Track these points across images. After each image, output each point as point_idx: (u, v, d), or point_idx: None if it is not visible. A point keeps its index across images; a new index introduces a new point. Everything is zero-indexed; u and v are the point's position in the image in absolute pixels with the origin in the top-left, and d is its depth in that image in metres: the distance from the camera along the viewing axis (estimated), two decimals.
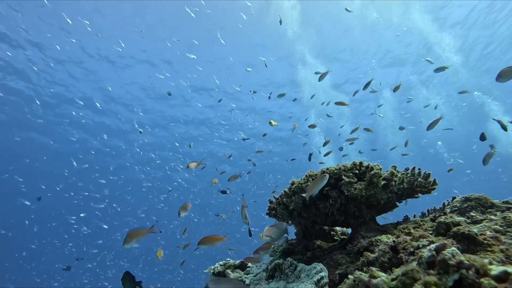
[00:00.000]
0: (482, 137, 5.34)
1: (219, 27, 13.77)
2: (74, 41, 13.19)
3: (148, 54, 14.99)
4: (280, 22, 9.27)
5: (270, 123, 4.44)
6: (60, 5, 11.98)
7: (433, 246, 1.12)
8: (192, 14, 11.70)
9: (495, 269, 0.97)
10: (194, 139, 20.78)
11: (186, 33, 13.97)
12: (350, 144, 7.12)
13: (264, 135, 8.90)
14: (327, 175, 2.14)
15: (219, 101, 11.16)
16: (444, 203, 3.17)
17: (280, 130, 20.54)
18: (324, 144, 8.04)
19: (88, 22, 12.41)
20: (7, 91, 15.08)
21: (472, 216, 2.14)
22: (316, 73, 8.16)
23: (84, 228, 27.83)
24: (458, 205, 2.85)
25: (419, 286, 0.97)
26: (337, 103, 6.82)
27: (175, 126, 19.68)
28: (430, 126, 6.26)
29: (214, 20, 13.51)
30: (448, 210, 2.95)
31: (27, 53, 13.57)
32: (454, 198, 3.11)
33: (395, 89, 7.08)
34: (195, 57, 12.25)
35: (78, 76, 15.35)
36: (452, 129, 15.51)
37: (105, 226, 29.14)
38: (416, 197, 2.59)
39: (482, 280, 0.93)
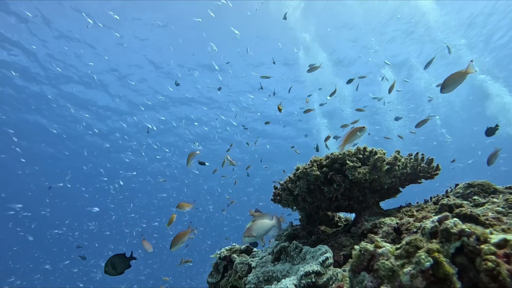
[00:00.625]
0: (489, 132, 5.16)
1: (223, 11, 13.74)
2: (91, 22, 13.19)
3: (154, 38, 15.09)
4: (284, 17, 9.27)
5: (279, 109, 4.34)
6: None
7: (435, 217, 1.16)
8: (212, 14, 11.67)
9: (495, 237, 1.01)
10: (202, 124, 20.90)
11: (189, 16, 13.98)
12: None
13: (267, 123, 8.99)
14: (366, 127, 2.15)
15: (219, 89, 11.16)
16: (447, 189, 3.20)
17: (283, 115, 20.57)
18: (326, 139, 8.12)
19: (112, 13, 12.46)
20: (14, 70, 15.20)
21: (475, 199, 2.18)
22: (310, 66, 8.22)
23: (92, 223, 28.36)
24: (461, 191, 2.88)
25: (422, 253, 1.02)
26: (309, 70, 6.87)
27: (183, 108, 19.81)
28: (418, 125, 6.34)
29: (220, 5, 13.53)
30: (451, 197, 2.98)
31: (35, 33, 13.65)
32: (457, 185, 3.15)
33: (390, 89, 7.09)
34: (216, 48, 12.21)
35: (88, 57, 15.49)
36: (437, 116, 15.58)
37: (133, 215, 29.59)
38: (419, 182, 2.62)
39: (482, 246, 0.97)
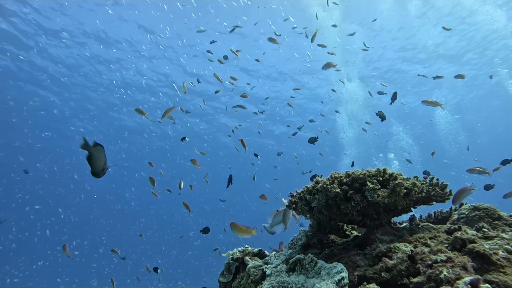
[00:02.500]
0: (393, 97, 5.64)
1: None
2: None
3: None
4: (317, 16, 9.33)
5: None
6: None
7: (467, 279, 1.25)
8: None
9: None
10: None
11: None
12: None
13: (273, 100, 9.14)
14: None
15: (225, 82, 11.04)
16: (451, 207, 3.33)
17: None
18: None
19: None
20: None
21: (484, 231, 2.28)
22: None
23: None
24: (466, 212, 3.01)
25: None
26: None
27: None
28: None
29: None
30: (455, 216, 3.11)
31: None
32: (461, 204, 3.27)
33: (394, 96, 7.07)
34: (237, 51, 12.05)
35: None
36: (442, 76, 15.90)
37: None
38: (431, 204, 2.73)
39: None
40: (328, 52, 9.14)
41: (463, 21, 15.15)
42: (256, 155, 7.90)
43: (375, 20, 11.82)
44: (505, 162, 5.48)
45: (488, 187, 4.99)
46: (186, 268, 34.45)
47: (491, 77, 9.40)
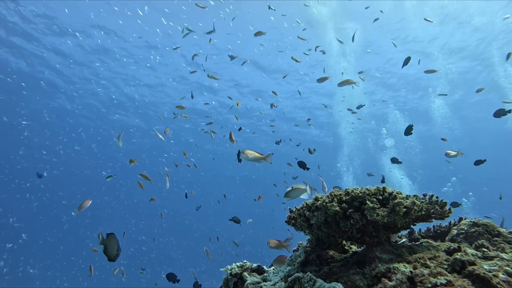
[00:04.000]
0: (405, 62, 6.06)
1: None
2: None
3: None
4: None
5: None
6: None
7: None
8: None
9: None
10: None
11: None
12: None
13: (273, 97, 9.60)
14: None
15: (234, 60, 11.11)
16: (450, 222, 3.32)
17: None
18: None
19: None
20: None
21: (484, 251, 2.27)
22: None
23: None
24: (466, 228, 3.01)
25: None
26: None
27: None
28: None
29: None
30: (454, 232, 3.11)
31: None
32: (460, 218, 3.27)
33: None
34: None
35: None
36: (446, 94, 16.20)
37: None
38: (430, 221, 2.72)
39: None
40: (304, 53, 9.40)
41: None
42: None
43: (376, 19, 11.84)
44: (478, 163, 5.69)
45: (454, 205, 5.06)
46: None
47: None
